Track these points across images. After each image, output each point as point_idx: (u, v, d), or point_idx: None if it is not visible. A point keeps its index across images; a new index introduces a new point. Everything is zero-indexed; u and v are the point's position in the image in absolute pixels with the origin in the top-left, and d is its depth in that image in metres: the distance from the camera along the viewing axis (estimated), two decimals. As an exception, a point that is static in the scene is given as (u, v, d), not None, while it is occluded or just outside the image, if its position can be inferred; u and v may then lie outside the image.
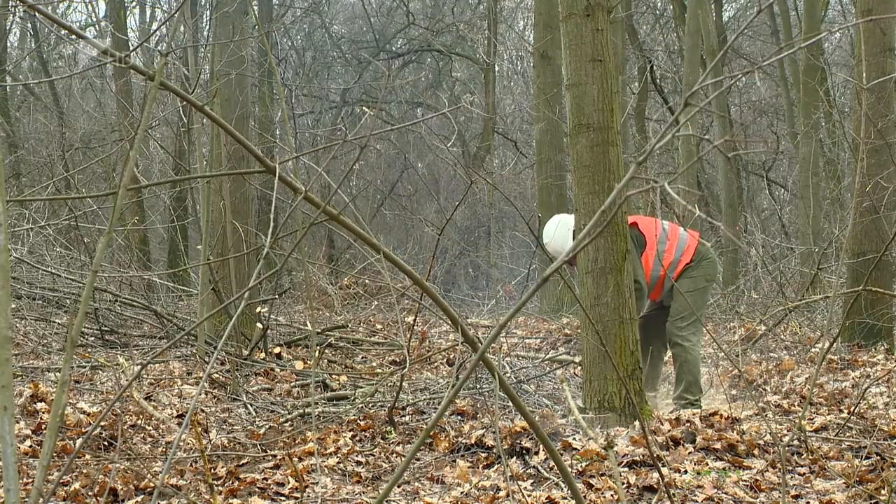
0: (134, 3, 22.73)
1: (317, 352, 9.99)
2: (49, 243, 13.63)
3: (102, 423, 6.82)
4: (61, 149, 18.45)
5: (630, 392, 6.99)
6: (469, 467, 6.31)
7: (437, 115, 22.96)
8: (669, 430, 6.68)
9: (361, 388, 8.98)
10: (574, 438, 6.59)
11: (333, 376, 9.52)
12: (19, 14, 20.08)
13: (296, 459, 6.40)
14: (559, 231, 8.21)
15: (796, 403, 7.90)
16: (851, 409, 7.16)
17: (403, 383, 7.76)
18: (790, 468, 6.12)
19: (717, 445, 6.43)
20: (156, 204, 19.92)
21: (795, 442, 6.46)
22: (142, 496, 5.70)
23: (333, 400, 8.65)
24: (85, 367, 9.18)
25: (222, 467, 6.30)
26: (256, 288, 10.84)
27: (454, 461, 6.48)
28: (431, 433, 6.90)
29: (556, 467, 5.65)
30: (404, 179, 27.61)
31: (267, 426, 7.61)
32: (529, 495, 5.61)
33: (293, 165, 9.86)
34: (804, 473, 6.06)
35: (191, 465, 6.31)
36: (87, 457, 6.38)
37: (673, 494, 5.48)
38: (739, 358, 9.59)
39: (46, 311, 11.50)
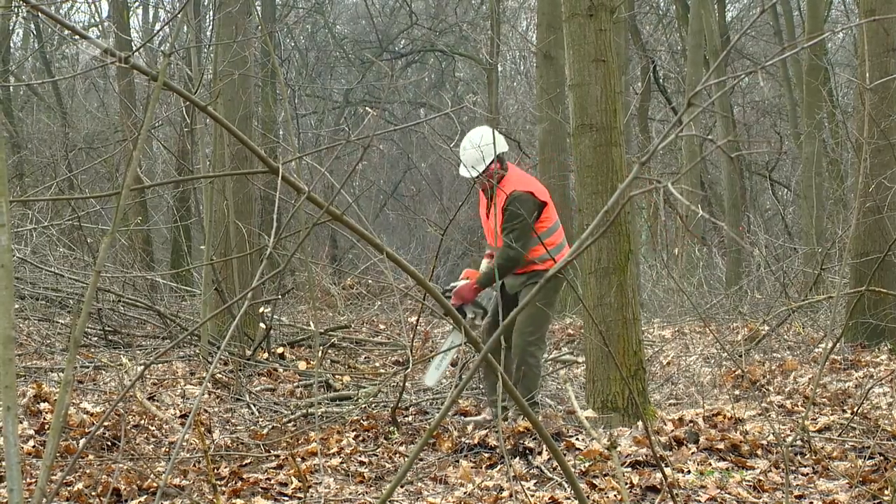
0: (137, 4, 22.75)
1: (320, 352, 9.99)
2: (52, 243, 13.65)
3: (105, 424, 6.82)
4: (64, 149, 18.47)
5: (633, 392, 6.99)
6: (472, 467, 6.31)
7: (439, 116, 22.95)
8: (673, 431, 6.68)
9: (364, 388, 8.99)
10: (577, 438, 6.59)
11: (336, 376, 9.53)
12: (22, 14, 20.10)
13: (299, 459, 6.40)
14: (480, 151, 7.35)
15: (799, 404, 7.90)
16: (855, 410, 7.16)
17: (406, 383, 7.76)
18: (793, 468, 6.12)
19: (721, 446, 6.43)
20: (159, 204, 19.93)
21: (799, 442, 6.46)
22: (145, 496, 5.70)
23: (336, 400, 8.66)
24: (88, 367, 9.19)
25: (225, 467, 6.30)
26: (259, 288, 10.85)
27: (457, 461, 6.48)
28: (434, 433, 6.91)
29: (559, 467, 5.65)
30: (407, 180, 27.62)
31: (270, 426, 7.61)
32: (532, 495, 5.61)
33: (296, 165, 9.87)
34: (807, 474, 6.06)
35: (194, 466, 6.31)
36: (91, 457, 6.39)
37: (676, 495, 5.47)
38: (742, 358, 9.58)
39: (50, 311, 11.50)
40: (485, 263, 7.71)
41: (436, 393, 8.68)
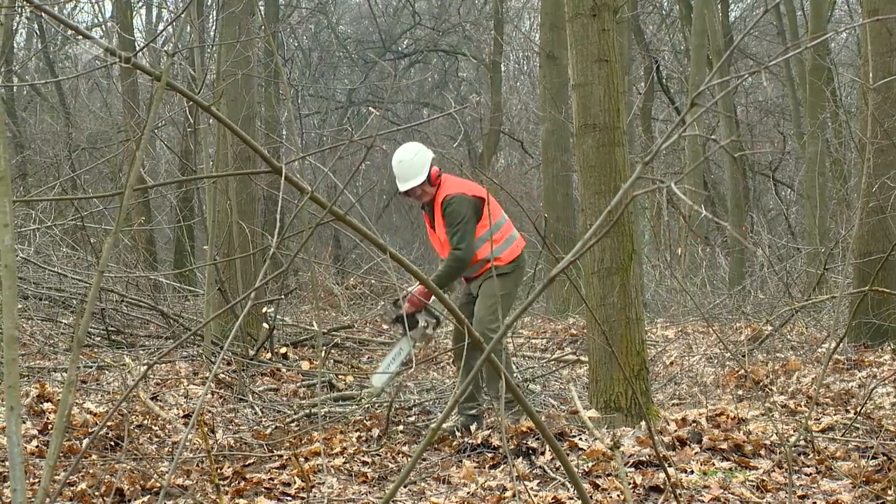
0: (140, 4, 22.76)
1: (323, 352, 9.99)
2: (55, 243, 13.65)
3: (109, 424, 6.82)
4: (68, 149, 18.49)
5: (636, 392, 6.98)
6: (475, 467, 6.31)
7: (443, 115, 22.98)
8: (676, 431, 6.67)
9: (367, 388, 8.99)
10: (580, 438, 6.59)
11: (339, 376, 9.53)
12: (26, 14, 20.12)
13: (302, 459, 6.40)
14: (417, 159, 7.46)
15: (803, 404, 7.89)
16: (858, 410, 7.15)
17: (409, 383, 7.76)
18: (796, 468, 6.11)
19: (724, 446, 6.42)
20: (162, 204, 19.95)
21: (802, 442, 6.45)
22: (148, 496, 5.70)
23: (339, 400, 8.66)
24: (91, 367, 9.19)
25: (229, 467, 6.31)
26: (262, 288, 10.86)
27: (460, 461, 6.48)
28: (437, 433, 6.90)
29: (562, 467, 5.65)
30: (410, 179, 27.55)
31: (273, 426, 7.62)
32: (535, 495, 5.61)
33: (299, 165, 9.88)
34: (811, 474, 6.05)
35: (197, 466, 6.31)
36: (94, 457, 6.39)
37: (679, 495, 5.47)
38: (746, 358, 9.58)
39: (53, 311, 11.51)
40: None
41: (439, 393, 8.69)
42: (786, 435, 6.73)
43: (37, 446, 6.54)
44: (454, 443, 6.99)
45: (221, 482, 5.92)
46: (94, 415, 7.24)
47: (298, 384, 9.32)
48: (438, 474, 6.21)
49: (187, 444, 6.82)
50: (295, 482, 5.99)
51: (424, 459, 6.58)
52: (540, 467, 6.24)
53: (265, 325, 10.13)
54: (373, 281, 16.61)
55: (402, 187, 7.50)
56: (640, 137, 21.48)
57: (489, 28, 24.78)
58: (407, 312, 7.46)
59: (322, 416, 7.84)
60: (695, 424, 6.82)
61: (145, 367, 8.09)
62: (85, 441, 6.58)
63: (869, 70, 10.30)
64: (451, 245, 7.33)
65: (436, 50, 26.18)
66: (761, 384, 8.80)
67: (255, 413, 8.19)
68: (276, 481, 6.07)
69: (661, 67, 23.62)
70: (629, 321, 7.15)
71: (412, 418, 8.00)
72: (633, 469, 6.03)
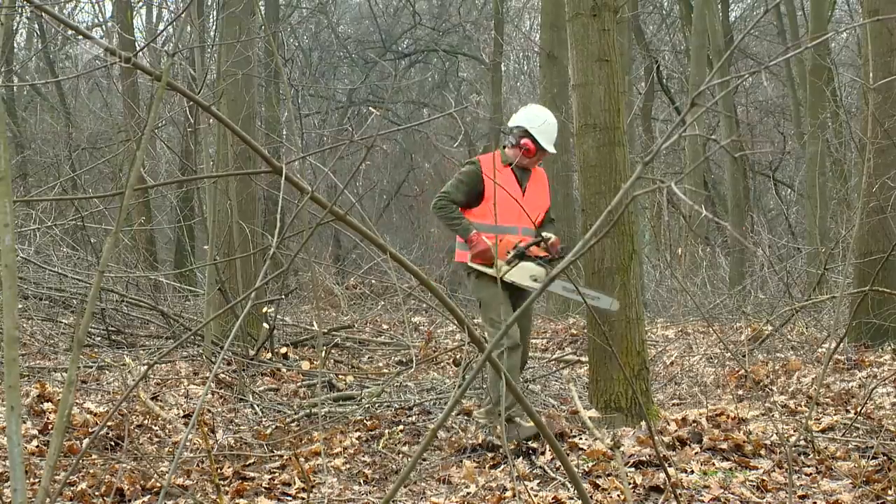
0: (141, 4, 22.76)
1: (323, 352, 9.99)
2: (56, 243, 13.65)
3: (109, 424, 6.82)
4: (68, 149, 18.50)
5: (636, 392, 6.98)
6: (476, 467, 6.31)
7: (443, 116, 22.98)
8: (676, 431, 6.67)
9: (368, 388, 8.99)
10: (580, 438, 6.58)
11: (340, 376, 9.53)
12: (26, 14, 20.12)
13: (302, 460, 6.40)
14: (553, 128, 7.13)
15: (803, 404, 7.89)
16: (858, 410, 7.15)
17: (410, 383, 7.76)
18: (797, 468, 6.11)
19: (724, 446, 6.42)
20: (162, 204, 19.95)
21: (802, 442, 6.45)
22: (148, 496, 5.70)
23: (340, 400, 8.66)
24: (92, 367, 9.19)
25: (229, 467, 6.31)
26: (263, 288, 10.85)
27: (461, 461, 6.48)
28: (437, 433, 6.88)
29: (562, 467, 5.65)
30: (410, 179, 27.64)
31: (273, 426, 7.61)
32: (536, 495, 5.61)
33: (300, 166, 9.88)
34: (811, 474, 6.05)
35: (197, 466, 6.31)
36: (94, 457, 6.39)
37: (679, 494, 5.47)
38: (746, 358, 9.58)
39: (53, 311, 11.51)
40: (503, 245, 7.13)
41: (439, 393, 8.68)
42: (786, 435, 6.73)
43: (37, 446, 6.54)
44: (454, 442, 6.99)
45: (221, 482, 5.92)
46: (95, 415, 7.23)
47: (299, 384, 9.31)
48: (439, 474, 6.21)
49: (187, 444, 6.82)
50: (295, 482, 5.99)
51: (425, 459, 6.58)
52: (540, 467, 6.24)
53: (265, 325, 10.13)
54: (373, 281, 16.61)
55: (554, 149, 7.15)
56: (640, 137, 21.48)
57: (489, 28, 24.77)
58: (542, 255, 6.97)
59: (322, 416, 7.83)
60: (695, 424, 6.82)
61: (145, 367, 8.08)
62: (85, 441, 6.58)
63: (869, 70, 10.31)
64: (551, 212, 7.30)
65: (436, 50, 26.16)
66: (761, 384, 8.80)
67: (256, 413, 8.19)
68: (276, 481, 6.07)
69: (661, 67, 23.62)
70: (629, 321, 7.15)
71: (412, 418, 8.00)
72: (633, 469, 6.03)
